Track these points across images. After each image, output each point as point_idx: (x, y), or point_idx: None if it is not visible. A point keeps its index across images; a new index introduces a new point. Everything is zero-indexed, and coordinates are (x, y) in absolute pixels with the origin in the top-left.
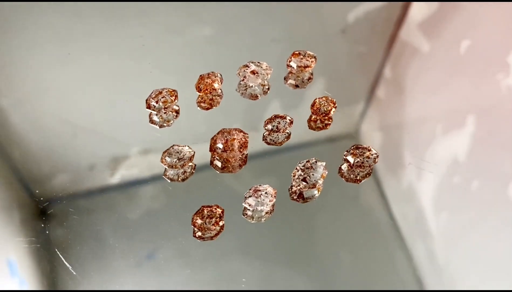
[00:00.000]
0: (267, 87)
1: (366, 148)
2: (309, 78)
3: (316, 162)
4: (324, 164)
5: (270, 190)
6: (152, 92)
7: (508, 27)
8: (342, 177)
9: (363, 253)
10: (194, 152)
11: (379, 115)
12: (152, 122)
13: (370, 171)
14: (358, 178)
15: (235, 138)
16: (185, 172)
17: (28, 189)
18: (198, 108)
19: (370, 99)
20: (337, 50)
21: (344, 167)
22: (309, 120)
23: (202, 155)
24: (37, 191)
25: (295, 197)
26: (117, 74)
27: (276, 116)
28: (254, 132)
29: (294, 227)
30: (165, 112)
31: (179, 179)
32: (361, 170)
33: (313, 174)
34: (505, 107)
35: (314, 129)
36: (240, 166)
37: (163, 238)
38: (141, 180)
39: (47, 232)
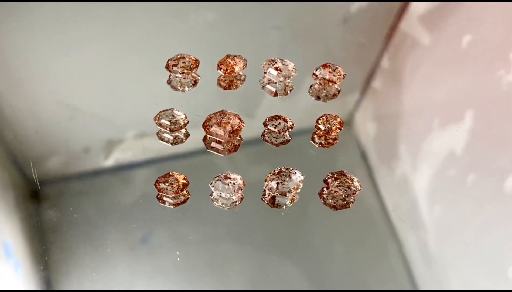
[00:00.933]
0: (290, 88)
1: (350, 178)
2: (334, 95)
3: (295, 172)
4: (302, 177)
5: (239, 181)
6: (176, 55)
7: (511, 24)
8: (320, 197)
9: (355, 242)
10: (189, 121)
11: (375, 105)
12: (168, 83)
13: (349, 203)
14: (336, 204)
15: (229, 122)
16: (177, 137)
17: (22, 171)
18: (218, 86)
19: (366, 89)
20: (337, 39)
21: (326, 190)
22: (314, 133)
23: (199, 139)
24: (31, 173)
25: (266, 199)
26: (115, 58)
27: (279, 117)
28: (251, 119)
29: (287, 215)
30: (184, 78)
31: (170, 142)
32: (339, 197)
33: (286, 182)
34: (505, 103)
35: (315, 144)
36: (230, 151)
37: (157, 222)
38: (135, 164)
39: (40, 214)
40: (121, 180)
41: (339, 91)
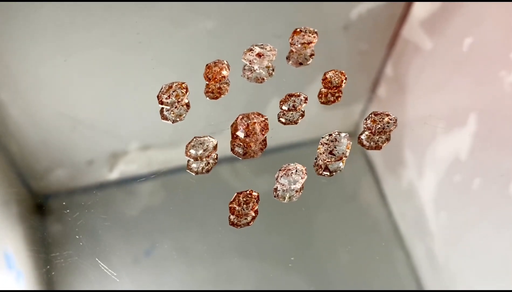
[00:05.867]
0: (271, 69)
1: (384, 113)
2: (311, 55)
3: (339, 133)
4: (347, 134)
5: (300, 166)
6: (162, 88)
7: (511, 25)
8: (362, 145)
9: (362, 251)
10: (217, 142)
11: None
12: (164, 119)
13: (389, 136)
14: (379, 144)
15: (255, 122)
16: (208, 163)
17: (26, 184)
18: (207, 98)
19: (371, 97)
20: (338, 47)
21: (364, 136)
22: (320, 95)
23: None
24: (35, 186)
25: (321, 171)
26: (118, 68)
27: (290, 95)
28: None
29: (293, 226)
30: (176, 107)
31: (204, 171)
32: (381, 136)
33: (339, 146)
34: (508, 105)
35: (326, 104)
36: (261, 149)
37: (161, 234)
38: (139, 176)
39: (45, 227)
40: (125, 193)
41: (313, 50)
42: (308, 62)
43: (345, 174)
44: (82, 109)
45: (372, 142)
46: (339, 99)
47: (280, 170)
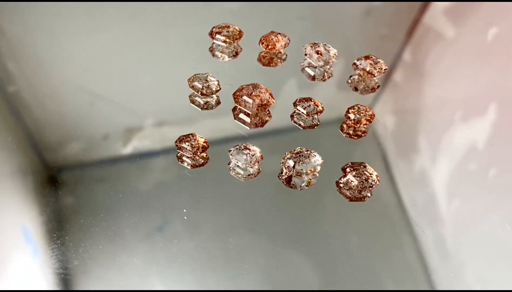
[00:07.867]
0: (329, 74)
1: (369, 171)
2: (373, 89)
3: (315, 155)
4: (321, 161)
5: (258, 154)
6: (221, 23)
7: None
8: (337, 185)
9: (371, 235)
10: (220, 88)
11: (395, 98)
12: (210, 50)
13: (364, 197)
14: (352, 196)
15: (259, 96)
16: (208, 102)
17: (41, 156)
18: (258, 61)
19: (386, 82)
20: (360, 31)
21: (343, 179)
22: (343, 123)
23: (215, 129)
24: (50, 158)
25: (282, 178)
26: (137, 45)
27: (310, 99)
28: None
29: (302, 207)
30: (226, 47)
31: (200, 107)
32: (356, 188)
33: (303, 163)
34: None
35: (342, 133)
36: (256, 125)
37: (173, 210)
38: (153, 152)
39: (58, 200)
40: (138, 168)
41: (378, 86)
42: (364, 93)
43: (357, 158)
44: (100, 84)
45: (349, 192)
46: (356, 138)
47: (242, 144)
